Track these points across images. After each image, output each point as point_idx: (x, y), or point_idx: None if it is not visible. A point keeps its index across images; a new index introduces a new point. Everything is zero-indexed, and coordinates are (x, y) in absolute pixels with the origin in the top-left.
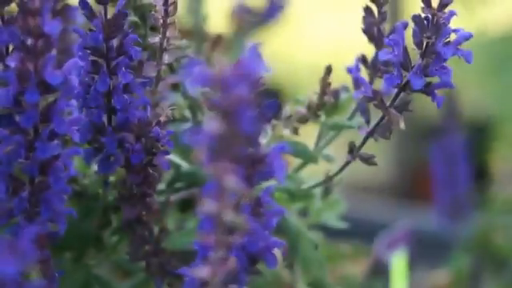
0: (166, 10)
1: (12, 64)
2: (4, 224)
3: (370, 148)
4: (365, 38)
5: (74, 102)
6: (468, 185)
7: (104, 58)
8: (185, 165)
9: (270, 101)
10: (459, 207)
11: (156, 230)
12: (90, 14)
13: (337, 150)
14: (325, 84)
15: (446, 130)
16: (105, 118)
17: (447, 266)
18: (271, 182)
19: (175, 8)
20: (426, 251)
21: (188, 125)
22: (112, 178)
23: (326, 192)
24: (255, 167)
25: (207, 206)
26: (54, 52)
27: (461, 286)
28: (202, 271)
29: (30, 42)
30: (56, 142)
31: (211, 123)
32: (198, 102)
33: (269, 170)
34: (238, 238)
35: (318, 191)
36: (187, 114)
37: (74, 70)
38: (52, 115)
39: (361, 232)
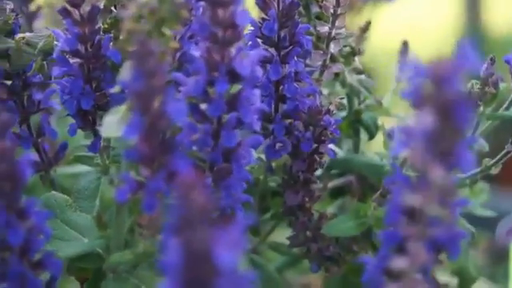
0: (337, 0)
1: (197, 54)
2: None
3: None
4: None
5: (256, 92)
6: None
7: (275, 47)
8: (340, 152)
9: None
10: None
11: (315, 215)
12: (264, 4)
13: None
14: (487, 74)
15: None
16: (273, 106)
17: None
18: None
19: None
20: None
21: (344, 113)
22: (274, 164)
23: (473, 181)
24: (446, 159)
25: (408, 198)
26: (241, 43)
27: None
28: (397, 262)
29: (220, 32)
30: (238, 130)
31: (423, 118)
32: (355, 89)
33: (457, 161)
34: (435, 230)
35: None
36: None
37: (258, 60)
38: (238, 104)
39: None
